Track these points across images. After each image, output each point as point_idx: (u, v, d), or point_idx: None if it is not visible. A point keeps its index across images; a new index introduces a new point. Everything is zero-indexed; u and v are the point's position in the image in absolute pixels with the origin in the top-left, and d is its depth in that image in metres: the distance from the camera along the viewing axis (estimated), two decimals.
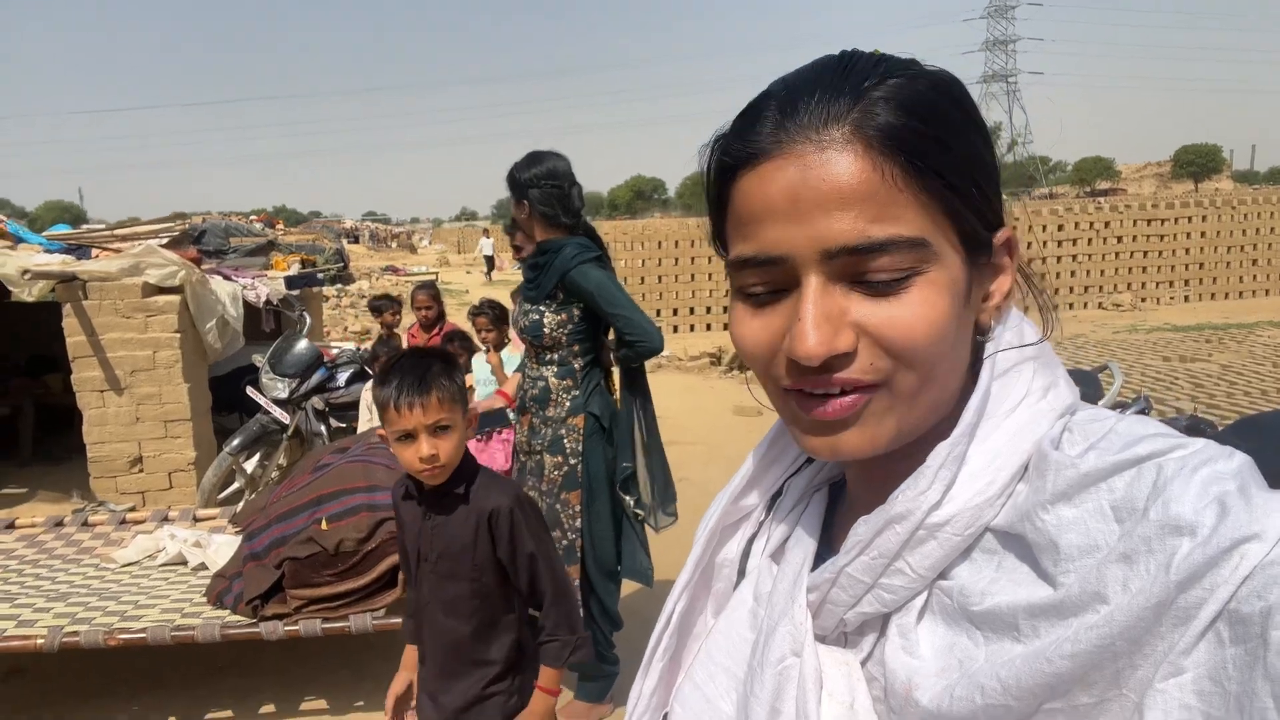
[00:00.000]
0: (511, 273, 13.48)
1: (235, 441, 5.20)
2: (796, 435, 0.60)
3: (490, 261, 27.98)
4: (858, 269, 0.53)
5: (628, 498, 3.00)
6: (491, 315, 4.54)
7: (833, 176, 0.52)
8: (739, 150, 0.57)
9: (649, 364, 3.09)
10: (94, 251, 5.52)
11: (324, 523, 3.14)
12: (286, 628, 2.95)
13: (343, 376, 5.44)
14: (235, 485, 5.31)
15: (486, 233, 32.51)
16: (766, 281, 0.57)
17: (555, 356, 2.96)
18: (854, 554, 0.56)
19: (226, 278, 6.32)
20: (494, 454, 4.03)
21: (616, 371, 3.07)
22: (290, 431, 5.29)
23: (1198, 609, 0.43)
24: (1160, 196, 20.24)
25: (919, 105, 0.54)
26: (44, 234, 5.86)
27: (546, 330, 2.91)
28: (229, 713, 3.31)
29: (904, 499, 0.54)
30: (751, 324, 0.58)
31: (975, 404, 0.56)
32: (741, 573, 0.71)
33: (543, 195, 2.90)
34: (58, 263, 5.08)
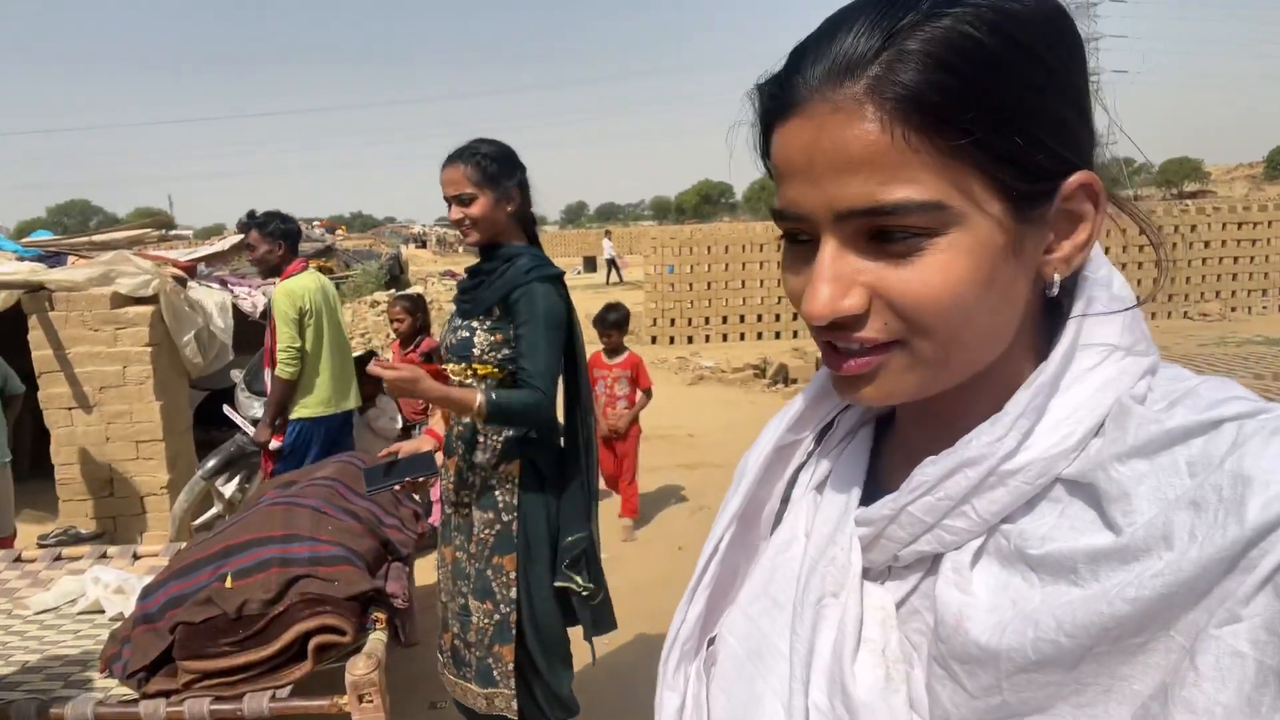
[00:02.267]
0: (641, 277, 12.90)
1: (210, 464, 4.81)
2: (832, 380, 0.61)
3: (612, 265, 26.82)
4: (873, 226, 0.53)
5: (575, 576, 2.44)
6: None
7: (841, 140, 0.52)
8: (771, 101, 0.58)
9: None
10: (70, 259, 5.19)
11: (229, 579, 2.66)
12: (169, 709, 2.47)
13: None
14: (213, 510, 4.93)
15: (608, 234, 31.44)
16: (799, 231, 0.58)
17: (485, 386, 2.40)
18: (918, 493, 0.57)
19: (224, 284, 5.97)
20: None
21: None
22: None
23: (1260, 559, 0.43)
24: (1253, 199, 18.89)
25: (953, 55, 0.50)
26: (22, 241, 5.58)
27: (476, 352, 2.36)
28: None
29: (978, 444, 0.55)
30: (792, 270, 0.59)
31: (1060, 355, 0.56)
32: (786, 502, 0.72)
33: (525, 191, 2.37)
34: (25, 271, 4.75)
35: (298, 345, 4.18)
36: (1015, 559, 0.53)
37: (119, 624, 3.01)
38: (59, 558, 3.77)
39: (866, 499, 0.64)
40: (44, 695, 2.57)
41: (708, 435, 7.46)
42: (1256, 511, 0.43)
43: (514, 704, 2.45)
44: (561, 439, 2.51)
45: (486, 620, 2.47)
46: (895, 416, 0.70)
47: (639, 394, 5.30)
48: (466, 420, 2.42)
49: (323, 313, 4.26)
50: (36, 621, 3.18)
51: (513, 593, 2.43)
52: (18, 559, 3.75)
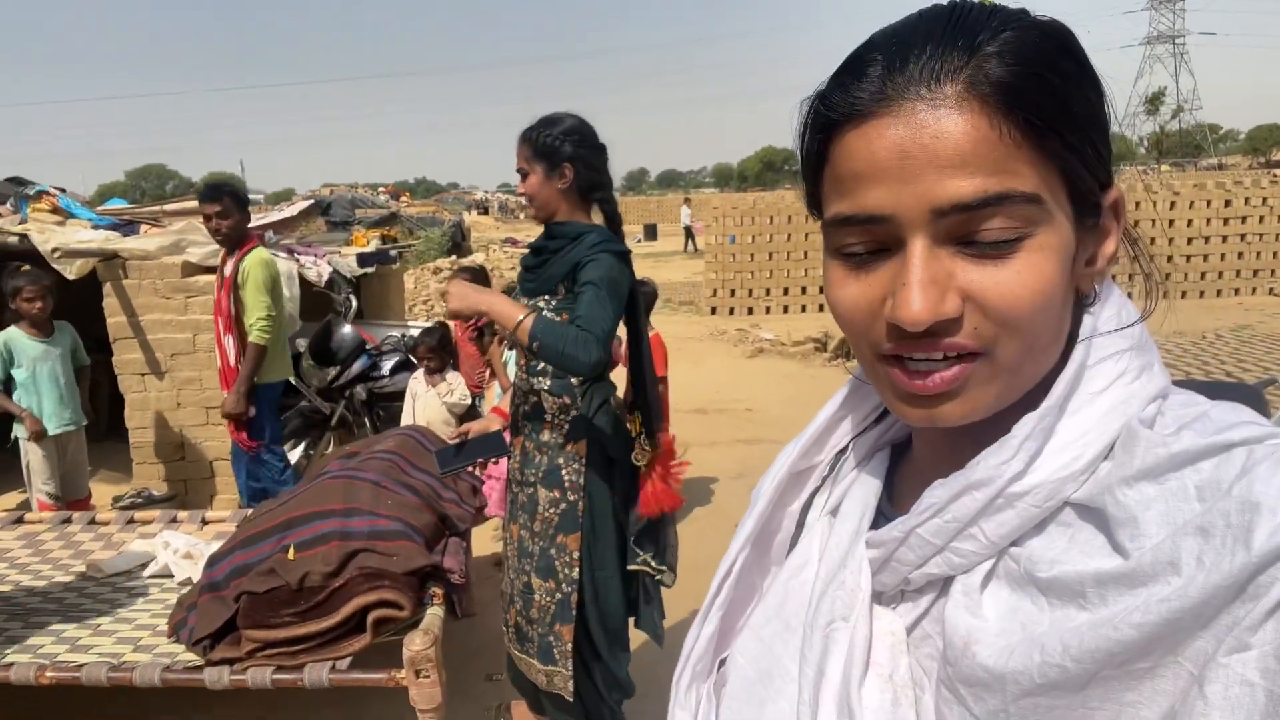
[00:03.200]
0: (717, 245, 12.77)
1: None
2: (892, 403, 0.59)
3: (689, 233, 26.26)
4: (967, 229, 0.53)
5: (641, 554, 2.42)
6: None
7: (947, 134, 0.51)
8: (843, 105, 0.55)
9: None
10: (142, 228, 5.30)
11: (291, 551, 2.70)
12: (232, 677, 2.53)
13: (387, 365, 5.06)
14: None
15: (687, 201, 30.67)
16: (867, 240, 0.56)
17: (551, 366, 2.37)
18: (926, 516, 0.56)
19: (291, 253, 6.05)
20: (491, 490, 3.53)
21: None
22: (335, 421, 4.96)
23: (1269, 586, 0.42)
24: None
25: (1035, 60, 0.52)
26: (97, 210, 5.70)
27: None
28: None
29: (985, 466, 0.54)
30: (850, 287, 0.57)
31: (1068, 378, 0.56)
32: (801, 526, 0.71)
33: (590, 159, 2.31)
34: (99, 240, 4.86)
35: (274, 313, 4.27)
36: (1025, 582, 0.53)
37: (186, 590, 3.09)
38: (131, 521, 3.88)
39: (880, 524, 0.64)
40: (114, 659, 2.64)
41: (767, 410, 7.38)
42: (1264, 538, 0.43)
43: (570, 684, 2.45)
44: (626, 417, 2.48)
45: (548, 599, 2.46)
46: (911, 442, 0.70)
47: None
48: (534, 399, 2.39)
49: (280, 283, 4.40)
50: (109, 584, 3.28)
51: (575, 573, 2.41)
52: (92, 521, 3.87)
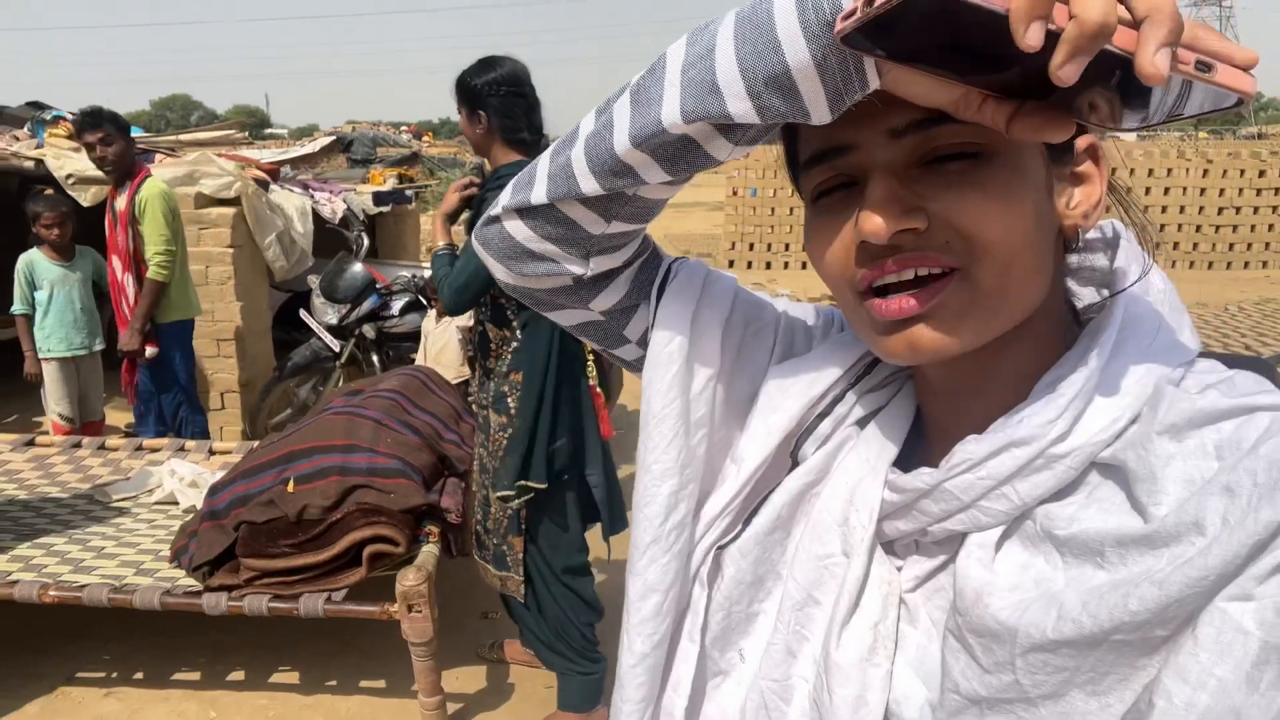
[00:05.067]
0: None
1: (286, 366, 4.94)
2: (874, 343, 0.58)
3: None
4: (927, 147, 0.52)
5: (530, 484, 2.51)
6: None
7: None
8: None
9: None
10: (158, 158, 5.28)
11: (291, 483, 2.73)
12: (229, 603, 2.58)
13: (397, 305, 5.05)
14: (288, 413, 5.07)
15: None
16: (835, 175, 0.56)
17: (488, 300, 2.49)
18: (959, 470, 0.55)
19: (305, 188, 6.03)
20: None
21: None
22: (344, 360, 4.98)
23: None
24: None
25: None
26: None
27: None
28: (198, 675, 3.04)
29: (1030, 424, 0.53)
30: (825, 233, 0.58)
31: (1110, 337, 0.55)
32: (822, 416, 0.67)
33: (503, 104, 2.38)
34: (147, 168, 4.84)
35: (173, 248, 4.11)
36: (1040, 540, 0.53)
37: (189, 517, 3.14)
38: (139, 448, 3.94)
39: (903, 456, 0.64)
40: (116, 582, 2.70)
41: None
42: None
43: (522, 588, 2.60)
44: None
45: (501, 513, 2.59)
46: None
47: None
48: (480, 329, 2.56)
49: (180, 216, 4.23)
50: (115, 509, 3.34)
51: None
52: (101, 447, 3.92)
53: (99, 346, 4.57)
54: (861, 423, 0.67)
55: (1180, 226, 12.27)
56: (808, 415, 0.68)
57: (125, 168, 4.06)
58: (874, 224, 0.52)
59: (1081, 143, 0.57)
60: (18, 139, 5.60)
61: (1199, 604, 0.44)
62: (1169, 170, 12.21)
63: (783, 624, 0.63)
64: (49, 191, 4.46)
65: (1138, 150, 12.72)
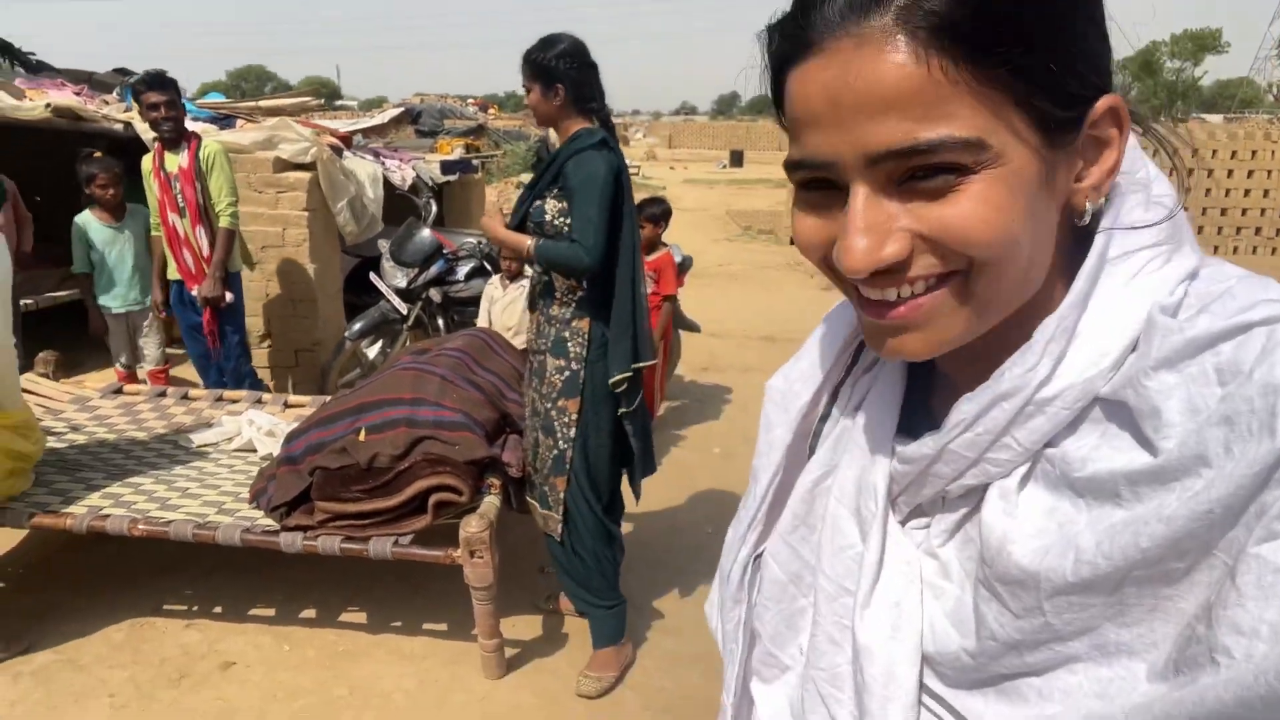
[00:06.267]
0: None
1: (356, 327, 5.11)
2: (863, 332, 0.59)
3: None
4: (905, 167, 0.50)
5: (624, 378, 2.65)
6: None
7: (871, 76, 0.48)
8: (785, 43, 0.54)
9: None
10: (238, 123, 5.48)
11: (363, 433, 2.88)
12: (304, 542, 2.74)
13: (462, 270, 5.19)
14: (357, 372, 5.26)
15: None
16: (817, 181, 0.55)
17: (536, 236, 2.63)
18: (958, 431, 0.56)
19: (376, 156, 6.19)
20: None
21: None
22: (410, 322, 5.14)
23: None
24: None
25: None
26: (196, 101, 5.90)
27: (548, 218, 2.58)
28: (273, 610, 3.22)
29: (1011, 376, 0.54)
30: (808, 223, 0.57)
31: (1088, 272, 0.53)
32: (825, 418, 0.71)
33: (579, 76, 2.53)
34: (198, 131, 5.05)
35: (237, 199, 4.32)
36: (1061, 483, 0.53)
37: (267, 463, 3.31)
38: (220, 399, 4.14)
39: (911, 422, 0.64)
40: (199, 519, 2.88)
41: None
42: None
43: (560, 527, 2.76)
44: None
45: (548, 454, 2.72)
46: None
47: (663, 302, 4.65)
48: (545, 279, 2.67)
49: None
50: (198, 454, 3.53)
51: (572, 433, 2.67)
52: (185, 396, 4.13)
53: (149, 301, 4.71)
54: (858, 408, 0.68)
55: (1264, 211, 11.84)
56: (810, 419, 0.72)
57: (181, 130, 4.23)
58: (849, 263, 0.52)
59: (1101, 105, 0.53)
60: (107, 103, 5.85)
61: (1211, 536, 0.44)
62: (1253, 152, 11.78)
63: (822, 616, 0.65)
64: (99, 154, 4.60)
65: (1221, 132, 12.28)
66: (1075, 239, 0.57)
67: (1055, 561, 0.49)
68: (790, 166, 0.56)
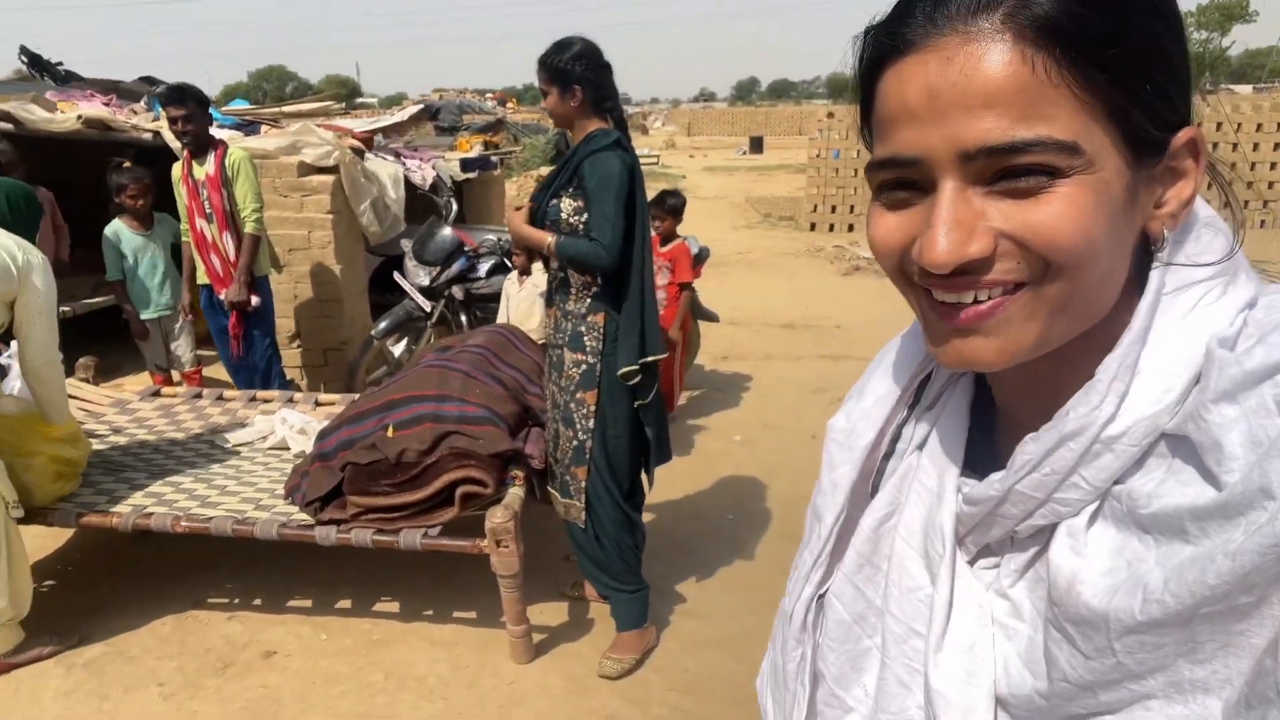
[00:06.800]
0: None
1: (382, 325, 5.24)
2: (928, 337, 0.58)
3: None
4: (998, 166, 0.51)
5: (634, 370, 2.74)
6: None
7: (975, 70, 0.50)
8: (885, 43, 0.55)
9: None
10: (263, 128, 5.62)
11: (390, 429, 2.99)
12: (338, 535, 2.86)
13: (484, 267, 5.30)
14: (384, 370, 5.38)
15: (830, 116, 30.55)
16: (903, 181, 0.55)
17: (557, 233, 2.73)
18: (1024, 472, 0.55)
19: (397, 156, 6.30)
20: None
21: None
22: (434, 319, 5.26)
23: None
24: None
25: (1100, 4, 0.49)
26: (221, 110, 6.05)
27: (564, 216, 2.67)
28: (310, 602, 3.35)
29: (1076, 415, 0.53)
30: (886, 222, 0.57)
31: (1145, 307, 0.53)
32: (890, 455, 0.70)
33: (596, 77, 2.63)
34: (224, 139, 5.19)
35: (262, 204, 4.43)
36: (1128, 520, 0.52)
37: (300, 460, 3.44)
38: (253, 399, 4.28)
39: (976, 459, 0.64)
40: (239, 515, 3.01)
41: (857, 328, 7.40)
42: None
43: (583, 515, 2.87)
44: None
45: (569, 444, 2.83)
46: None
47: (680, 292, 4.77)
48: (561, 275, 2.76)
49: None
50: (234, 453, 3.67)
51: (591, 423, 2.77)
52: (220, 398, 4.28)
53: (179, 306, 4.80)
54: (922, 446, 0.67)
55: (1245, 203, 11.73)
56: (874, 458, 0.71)
57: (204, 139, 4.35)
58: (934, 256, 0.52)
59: (1182, 136, 0.54)
60: (135, 112, 6.01)
61: (1278, 569, 0.44)
62: (1258, 125, 11.65)
63: (891, 658, 0.64)
64: (128, 164, 4.73)
65: (1246, 104, 12.15)
66: (1137, 271, 0.57)
67: (1124, 601, 0.49)
68: (875, 166, 0.57)
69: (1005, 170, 0.51)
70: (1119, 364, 0.53)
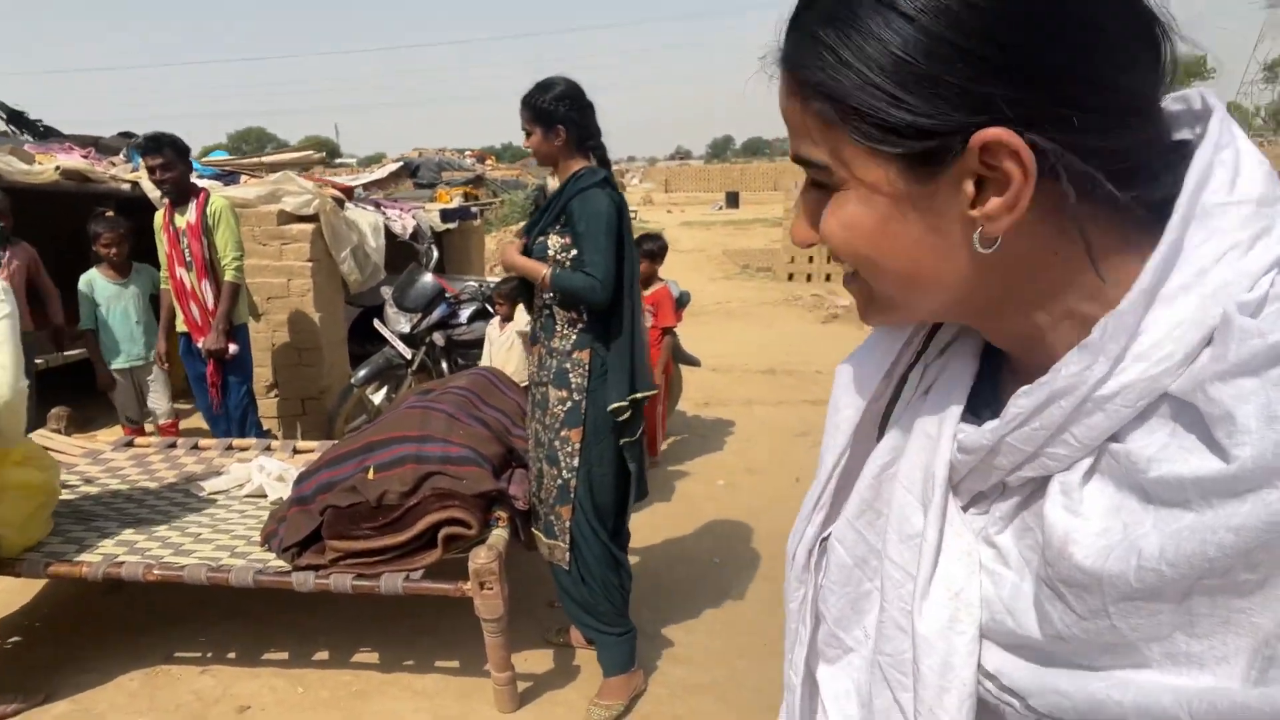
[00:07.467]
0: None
1: (361, 373, 5.19)
2: None
3: None
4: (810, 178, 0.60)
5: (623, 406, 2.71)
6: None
7: (782, 100, 0.60)
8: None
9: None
10: (242, 178, 5.61)
11: (371, 471, 2.93)
12: (317, 580, 2.78)
13: (465, 313, 5.28)
14: (363, 418, 5.32)
15: None
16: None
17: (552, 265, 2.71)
18: (1014, 424, 0.56)
19: (377, 206, 6.31)
20: None
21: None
22: (415, 366, 5.22)
23: None
24: None
25: (829, 18, 0.54)
26: (201, 160, 6.05)
27: (552, 253, 2.66)
28: (286, 654, 3.24)
29: (1066, 374, 0.52)
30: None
31: (1155, 265, 0.50)
32: (895, 399, 0.71)
33: (579, 116, 2.65)
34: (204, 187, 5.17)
35: (243, 253, 4.42)
36: (1127, 481, 0.51)
37: (277, 507, 3.36)
38: (230, 447, 4.20)
39: (981, 403, 0.65)
40: (213, 563, 2.92)
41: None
42: None
43: (567, 555, 2.81)
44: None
45: (552, 483, 2.78)
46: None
47: (663, 336, 4.83)
48: (547, 313, 2.75)
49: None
50: (210, 501, 3.58)
51: (575, 462, 2.72)
52: (195, 446, 4.19)
53: (153, 356, 4.73)
54: (927, 392, 0.68)
55: None
56: (880, 403, 0.72)
57: (184, 188, 4.32)
58: (793, 235, 0.66)
59: (978, 139, 0.51)
60: (114, 164, 5.99)
61: None
62: None
63: (889, 601, 0.65)
64: (109, 213, 4.71)
65: None
66: (1151, 222, 0.54)
67: (1117, 566, 0.48)
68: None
69: (811, 179, 0.61)
70: (1115, 324, 0.51)
